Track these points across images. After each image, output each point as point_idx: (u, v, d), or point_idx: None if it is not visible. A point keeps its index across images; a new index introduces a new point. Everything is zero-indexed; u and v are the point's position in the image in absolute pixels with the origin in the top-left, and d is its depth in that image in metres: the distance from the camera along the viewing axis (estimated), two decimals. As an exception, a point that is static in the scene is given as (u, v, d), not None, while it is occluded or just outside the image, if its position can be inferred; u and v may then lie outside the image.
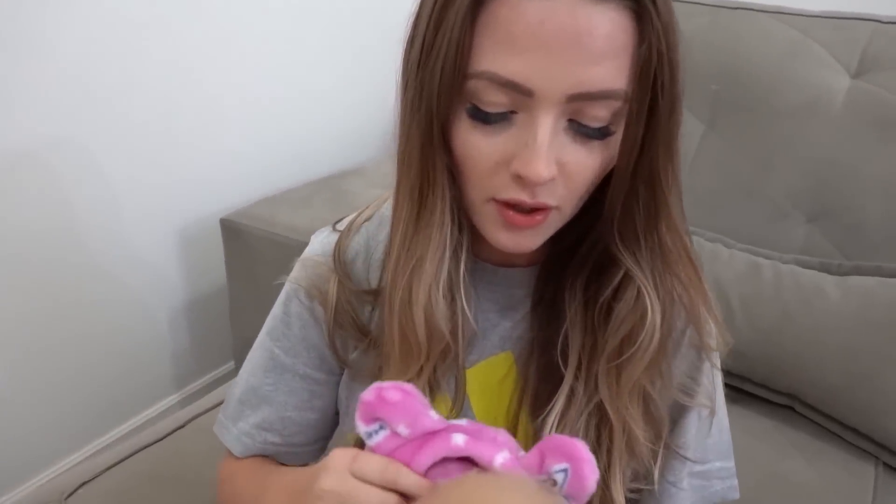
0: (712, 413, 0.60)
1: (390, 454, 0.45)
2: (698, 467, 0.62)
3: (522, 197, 0.46)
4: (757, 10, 1.38)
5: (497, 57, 0.44)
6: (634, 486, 0.58)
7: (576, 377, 0.54)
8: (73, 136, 1.21)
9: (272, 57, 1.49)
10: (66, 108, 1.18)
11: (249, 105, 1.47)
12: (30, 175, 1.17)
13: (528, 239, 0.50)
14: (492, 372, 0.59)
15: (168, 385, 1.51)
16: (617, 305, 0.52)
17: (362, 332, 0.58)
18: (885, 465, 0.94)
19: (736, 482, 0.65)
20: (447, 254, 0.50)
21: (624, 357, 0.52)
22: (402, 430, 0.45)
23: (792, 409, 1.03)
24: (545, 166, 0.44)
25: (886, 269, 1.02)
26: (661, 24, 0.44)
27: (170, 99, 1.33)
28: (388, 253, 0.54)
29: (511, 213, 0.47)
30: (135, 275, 1.38)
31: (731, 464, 0.65)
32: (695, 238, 1.18)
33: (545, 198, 0.46)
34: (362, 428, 0.46)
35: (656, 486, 0.58)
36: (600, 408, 0.54)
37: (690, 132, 1.35)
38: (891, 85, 1.22)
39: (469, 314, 0.53)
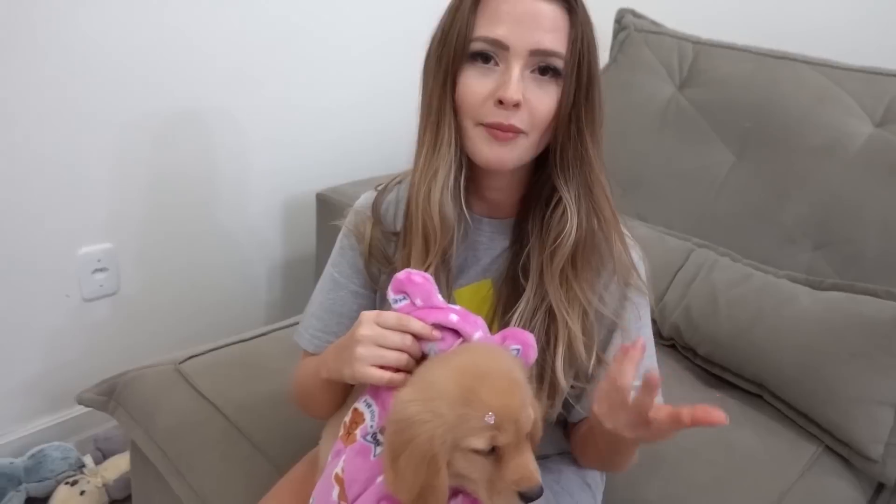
0: (635, 335, 0.80)
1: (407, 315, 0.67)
2: (637, 382, 0.82)
3: (500, 119, 0.71)
4: (798, 61, 1.53)
5: (489, 26, 0.72)
6: (575, 383, 0.80)
7: (532, 284, 0.78)
8: (221, 109, 1.57)
9: (372, 67, 1.81)
10: (222, 89, 1.55)
11: (349, 106, 1.79)
12: (187, 133, 1.53)
13: (506, 154, 0.73)
14: (475, 293, 0.83)
15: (258, 326, 1.84)
16: (552, 218, 0.76)
17: (388, 261, 0.84)
18: (828, 447, 1.09)
19: (662, 398, 0.85)
20: (453, 168, 0.76)
21: (550, 249, 0.75)
22: (418, 301, 0.68)
23: (761, 397, 1.19)
24: (516, 92, 0.70)
25: (858, 287, 1.17)
26: (582, 20, 0.72)
27: (288, 98, 1.68)
28: (410, 182, 0.79)
29: (495, 130, 0.72)
30: (244, 233, 1.72)
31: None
32: (705, 249, 1.35)
33: (516, 122, 0.71)
34: (391, 296, 0.69)
35: (589, 385, 0.80)
36: (549, 311, 0.77)
37: (720, 162, 1.52)
38: (909, 136, 1.36)
39: (465, 212, 0.78)
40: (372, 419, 0.71)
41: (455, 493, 0.66)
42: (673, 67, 1.68)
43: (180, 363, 1.13)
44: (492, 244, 0.83)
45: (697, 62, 1.66)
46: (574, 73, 0.71)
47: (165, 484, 1.05)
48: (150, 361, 1.15)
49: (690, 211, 1.53)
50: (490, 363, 0.65)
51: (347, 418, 0.74)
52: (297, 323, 1.27)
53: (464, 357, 0.65)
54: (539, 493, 0.61)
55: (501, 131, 0.72)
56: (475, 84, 0.72)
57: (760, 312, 1.18)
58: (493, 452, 0.61)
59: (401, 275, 0.69)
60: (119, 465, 1.42)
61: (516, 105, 0.70)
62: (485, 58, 0.72)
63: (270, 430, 1.00)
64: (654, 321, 1.33)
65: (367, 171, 1.74)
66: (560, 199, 0.75)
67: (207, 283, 1.69)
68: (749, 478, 1.00)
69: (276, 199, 1.75)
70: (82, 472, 1.41)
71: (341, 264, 0.87)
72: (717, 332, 1.22)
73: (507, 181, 0.79)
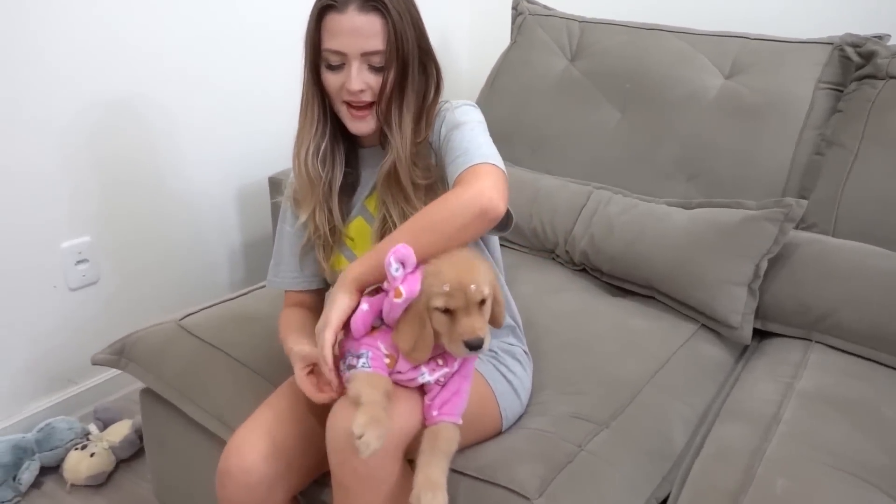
0: (459, 131, 1.03)
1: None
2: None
3: (353, 99, 1.01)
4: (662, 30, 1.86)
5: (330, 40, 1.00)
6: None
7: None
8: (173, 108, 1.76)
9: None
10: (172, 86, 1.74)
11: (292, 98, 2.00)
12: (143, 130, 1.72)
13: (363, 125, 1.05)
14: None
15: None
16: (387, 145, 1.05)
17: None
18: (703, 325, 1.41)
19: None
20: (315, 136, 1.06)
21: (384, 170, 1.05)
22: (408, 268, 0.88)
23: (654, 298, 1.50)
24: (357, 83, 0.99)
25: (716, 202, 1.50)
26: (394, 23, 0.99)
27: (236, 92, 1.88)
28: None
29: (353, 110, 1.02)
30: (205, 219, 1.91)
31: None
32: (602, 190, 1.64)
33: (364, 97, 1.00)
34: (392, 264, 0.86)
35: None
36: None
37: (608, 118, 1.83)
38: (750, 84, 1.69)
39: (336, 168, 1.09)
40: None
41: (436, 355, 0.91)
42: (564, 44, 1.98)
43: (180, 320, 1.33)
44: (377, 162, 1.10)
45: (583, 38, 1.97)
46: (394, 58, 0.99)
47: (176, 420, 1.26)
48: (150, 323, 1.35)
49: (588, 161, 1.83)
50: (460, 254, 0.90)
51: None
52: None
53: (452, 252, 0.90)
54: (479, 344, 0.86)
55: (359, 113, 1.03)
56: (331, 79, 1.02)
57: (643, 229, 1.49)
58: (450, 313, 0.87)
59: (402, 248, 0.87)
60: (120, 430, 1.61)
61: (361, 91, 1.00)
62: (333, 65, 1.01)
63: (266, 358, 1.23)
64: (566, 252, 1.63)
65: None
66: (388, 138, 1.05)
67: (175, 267, 1.88)
68: (644, 348, 1.29)
69: (231, 185, 1.95)
70: (88, 439, 1.59)
71: (287, 220, 1.18)
72: (613, 250, 1.52)
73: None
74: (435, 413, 0.93)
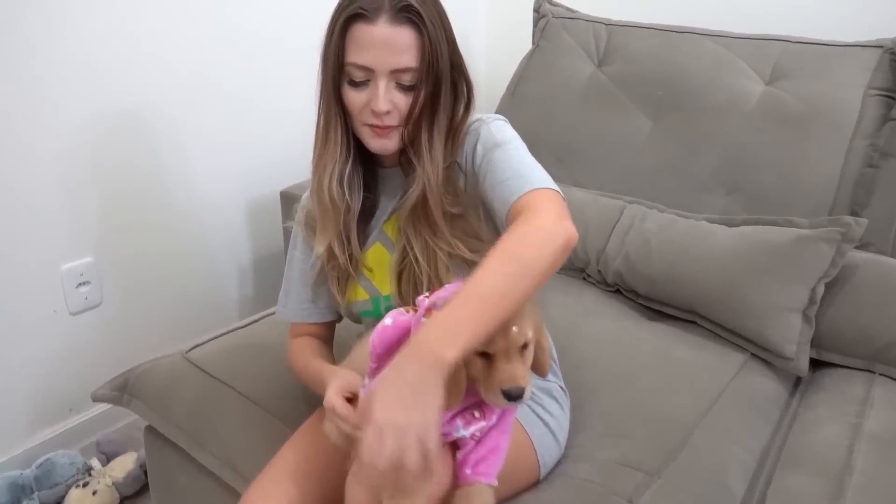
0: (502, 150, 0.92)
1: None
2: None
3: (377, 122, 0.90)
4: (696, 33, 1.75)
5: (356, 54, 0.88)
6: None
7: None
8: (181, 118, 1.66)
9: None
10: (181, 97, 1.64)
11: (302, 108, 1.90)
12: (149, 143, 1.62)
13: (388, 143, 0.93)
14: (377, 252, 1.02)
15: (233, 321, 1.93)
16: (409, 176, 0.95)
17: None
18: (753, 355, 1.30)
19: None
20: (339, 162, 0.95)
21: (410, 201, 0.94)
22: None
23: (695, 323, 1.39)
24: (385, 104, 0.88)
25: (763, 219, 1.38)
26: (429, 37, 0.89)
27: (246, 102, 1.78)
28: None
29: (376, 129, 0.91)
30: (213, 235, 1.81)
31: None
32: (636, 205, 1.53)
33: (389, 121, 0.90)
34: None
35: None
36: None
37: (640, 127, 1.72)
38: (794, 91, 1.58)
39: (357, 193, 0.98)
40: None
41: (472, 405, 0.81)
42: (590, 48, 1.88)
43: (187, 352, 1.23)
44: (397, 185, 1.01)
45: (611, 41, 1.86)
46: (426, 77, 0.89)
47: (185, 462, 1.16)
48: (156, 355, 1.25)
49: (619, 173, 1.72)
50: None
51: None
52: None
53: None
54: (518, 394, 0.76)
55: (381, 130, 0.92)
56: (353, 97, 0.91)
57: (685, 249, 1.38)
58: (488, 357, 0.77)
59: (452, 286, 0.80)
60: (125, 464, 1.51)
61: (387, 112, 0.89)
62: (357, 82, 0.90)
63: (280, 396, 1.13)
64: (598, 271, 1.52)
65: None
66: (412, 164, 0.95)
67: (181, 286, 1.78)
68: (691, 382, 1.18)
69: (241, 200, 1.85)
70: (90, 475, 1.49)
71: (297, 246, 1.08)
72: (651, 271, 1.41)
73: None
74: (468, 471, 0.82)
